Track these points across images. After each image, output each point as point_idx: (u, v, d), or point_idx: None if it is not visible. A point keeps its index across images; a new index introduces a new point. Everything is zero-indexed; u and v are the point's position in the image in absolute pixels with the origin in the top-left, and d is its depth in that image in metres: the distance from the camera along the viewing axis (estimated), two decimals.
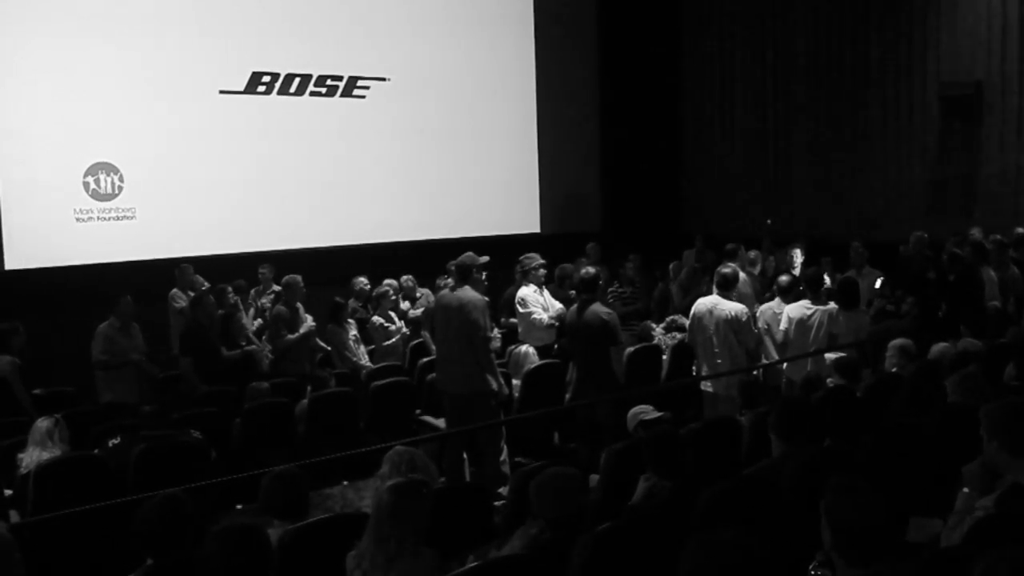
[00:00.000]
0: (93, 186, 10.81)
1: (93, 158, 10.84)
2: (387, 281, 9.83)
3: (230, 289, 9.77)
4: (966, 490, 3.51)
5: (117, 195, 10.97)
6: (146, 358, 8.60)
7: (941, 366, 6.28)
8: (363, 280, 10.17)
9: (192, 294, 9.57)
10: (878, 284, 9.92)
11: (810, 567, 3.06)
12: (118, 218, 10.98)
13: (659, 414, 5.66)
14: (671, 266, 11.69)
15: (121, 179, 10.98)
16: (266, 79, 12.02)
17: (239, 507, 6.17)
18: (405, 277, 10.68)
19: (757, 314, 8.06)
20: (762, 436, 4.77)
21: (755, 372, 7.47)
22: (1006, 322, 8.32)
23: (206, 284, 9.87)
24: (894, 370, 6.63)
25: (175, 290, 9.86)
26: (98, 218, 10.86)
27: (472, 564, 3.51)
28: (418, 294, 10.58)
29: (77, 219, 10.75)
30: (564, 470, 3.87)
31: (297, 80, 12.25)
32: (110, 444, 6.00)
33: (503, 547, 3.83)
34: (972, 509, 3.32)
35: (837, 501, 2.81)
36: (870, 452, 4.44)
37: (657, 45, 15.69)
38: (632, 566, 3.42)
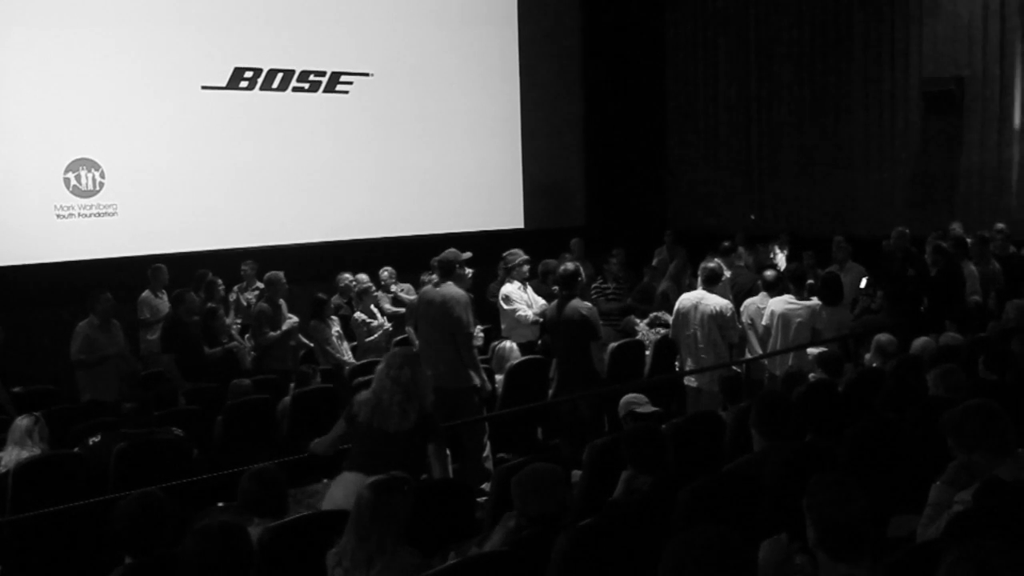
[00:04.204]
0: (74, 182, 10.72)
1: (74, 154, 10.73)
2: (360, 276, 9.81)
3: (220, 283, 9.74)
4: (938, 483, 3.53)
5: (98, 191, 10.88)
6: (127, 355, 8.55)
7: (923, 360, 6.31)
8: (348, 276, 10.16)
9: (161, 294, 9.51)
10: (863, 283, 9.93)
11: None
12: (99, 215, 10.88)
13: (653, 409, 5.67)
14: (654, 262, 11.72)
15: (102, 175, 10.89)
16: (248, 75, 11.95)
17: (220, 505, 6.14)
18: (383, 269, 10.65)
19: (741, 309, 8.10)
20: (744, 431, 4.78)
21: (737, 367, 7.49)
22: (986, 317, 8.38)
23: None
24: (875, 365, 6.67)
25: (146, 292, 9.69)
26: (79, 215, 10.77)
27: (453, 561, 3.51)
28: (400, 288, 10.57)
29: (58, 216, 10.65)
30: (545, 466, 3.86)
31: (280, 75, 12.18)
32: (90, 442, 5.94)
33: (484, 543, 3.82)
34: (949, 503, 3.33)
35: (820, 497, 2.81)
36: (851, 447, 4.45)
37: (641, 40, 15.69)
38: (612, 562, 3.42)
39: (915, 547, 2.88)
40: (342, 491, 4.62)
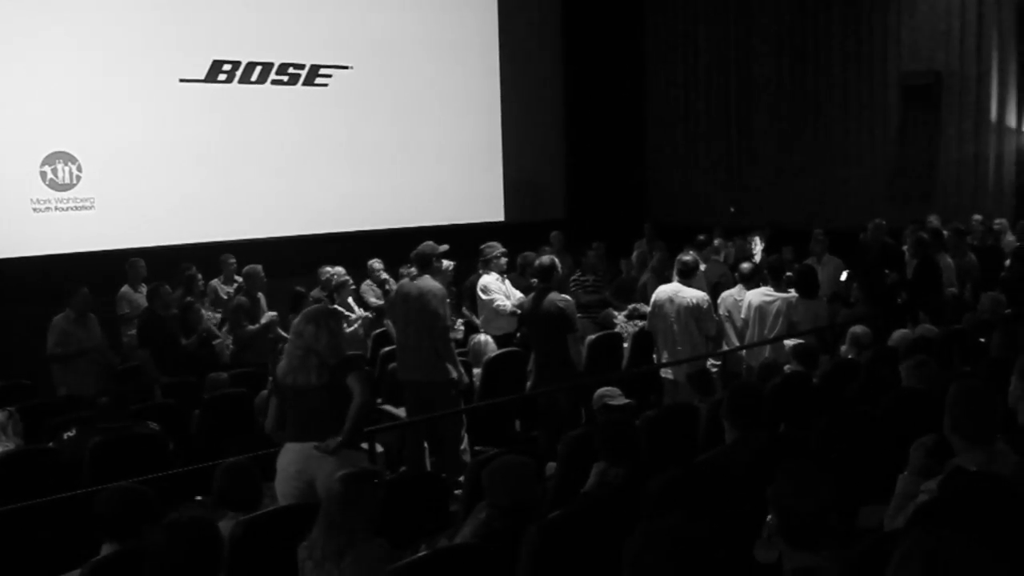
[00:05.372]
0: (51, 176, 10.65)
1: (50, 147, 10.65)
2: (337, 268, 9.76)
3: (200, 277, 9.70)
4: (905, 473, 3.55)
5: (75, 185, 10.81)
6: (103, 349, 8.51)
7: (898, 352, 6.36)
8: (328, 269, 10.11)
9: (140, 288, 9.45)
10: (843, 277, 9.95)
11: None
12: (76, 208, 10.82)
13: (626, 401, 5.69)
14: (633, 256, 11.74)
15: (79, 168, 10.83)
16: (227, 67, 11.90)
17: (199, 498, 6.13)
18: (374, 260, 10.61)
19: (719, 301, 8.13)
20: (719, 423, 4.80)
21: (710, 360, 7.52)
22: (962, 308, 8.44)
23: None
24: (850, 357, 6.71)
25: (125, 287, 9.62)
26: (56, 208, 10.70)
27: (423, 553, 3.52)
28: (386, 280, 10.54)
29: (34, 209, 10.58)
30: (516, 458, 3.89)
31: (259, 68, 12.13)
32: (65, 437, 5.93)
33: (456, 535, 3.84)
34: (915, 493, 3.35)
35: (783, 487, 2.83)
36: (822, 438, 4.48)
37: (621, 34, 15.71)
38: (582, 553, 3.43)
39: (878, 537, 2.90)
40: (283, 460, 4.92)
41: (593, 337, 8.08)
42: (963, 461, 3.37)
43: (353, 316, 9.44)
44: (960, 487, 3.03)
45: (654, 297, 7.70)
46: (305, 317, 5.07)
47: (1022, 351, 5.71)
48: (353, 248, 11.31)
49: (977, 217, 11.15)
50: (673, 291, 7.51)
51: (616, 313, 9.19)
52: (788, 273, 8.47)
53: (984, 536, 2.54)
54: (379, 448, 6.58)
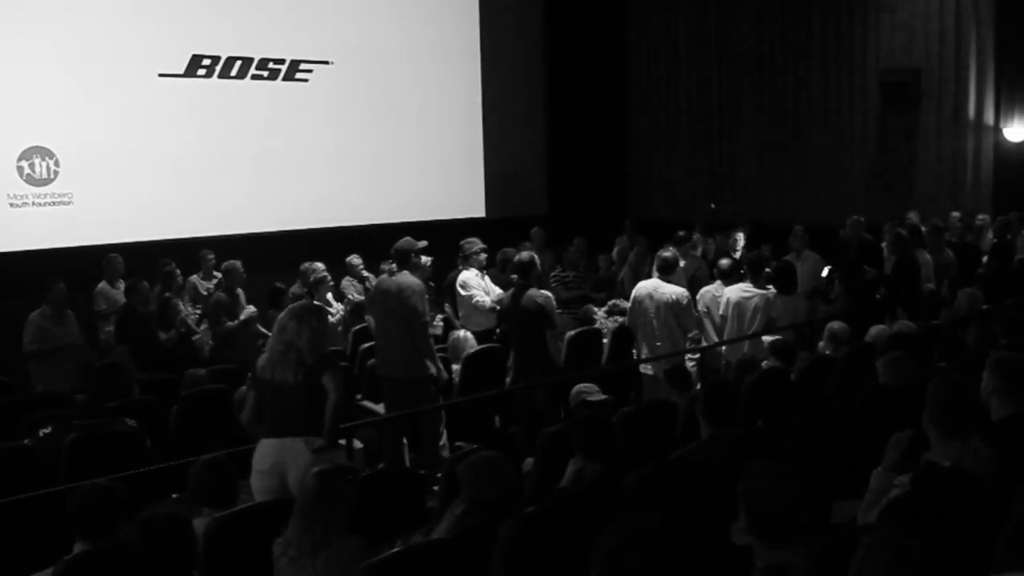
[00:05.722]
0: (28, 171, 10.57)
1: (27, 142, 10.57)
2: (315, 264, 9.75)
3: (179, 273, 9.65)
4: (879, 468, 3.57)
5: (53, 180, 10.73)
6: (81, 345, 8.45)
7: (875, 348, 6.39)
8: (311, 265, 10.07)
9: (118, 284, 9.40)
10: (824, 273, 9.99)
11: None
12: (54, 203, 10.74)
13: (604, 397, 5.69)
14: (613, 252, 11.76)
15: (57, 164, 10.75)
16: (206, 62, 11.82)
17: (175, 496, 6.10)
18: (353, 256, 10.58)
19: (697, 297, 8.15)
20: (696, 419, 4.82)
21: (688, 356, 7.54)
22: (940, 305, 8.48)
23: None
24: (827, 353, 6.74)
25: (102, 283, 9.55)
26: (33, 203, 10.62)
27: (398, 548, 3.52)
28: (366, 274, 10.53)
29: (11, 204, 10.50)
30: (493, 453, 3.89)
31: (238, 63, 12.07)
32: (41, 434, 5.88)
33: (432, 532, 3.84)
34: (888, 488, 3.37)
35: (752, 484, 2.84)
36: (797, 434, 4.50)
37: (603, 30, 15.72)
38: (557, 549, 3.43)
39: (847, 532, 2.91)
40: (259, 456, 4.94)
41: (572, 333, 8.10)
42: (936, 455, 3.39)
43: (332, 309, 9.44)
44: (931, 482, 3.05)
45: (634, 293, 7.71)
46: (289, 313, 5.07)
47: (998, 347, 5.77)
48: (333, 244, 11.27)
49: (955, 214, 11.23)
50: (653, 287, 7.53)
51: (596, 309, 9.21)
52: (767, 269, 8.50)
53: (952, 531, 2.56)
54: (358, 444, 6.59)
